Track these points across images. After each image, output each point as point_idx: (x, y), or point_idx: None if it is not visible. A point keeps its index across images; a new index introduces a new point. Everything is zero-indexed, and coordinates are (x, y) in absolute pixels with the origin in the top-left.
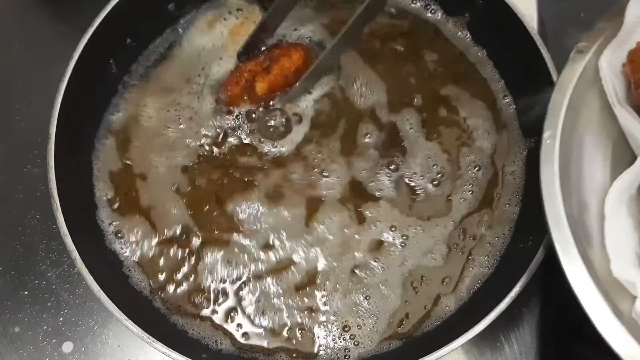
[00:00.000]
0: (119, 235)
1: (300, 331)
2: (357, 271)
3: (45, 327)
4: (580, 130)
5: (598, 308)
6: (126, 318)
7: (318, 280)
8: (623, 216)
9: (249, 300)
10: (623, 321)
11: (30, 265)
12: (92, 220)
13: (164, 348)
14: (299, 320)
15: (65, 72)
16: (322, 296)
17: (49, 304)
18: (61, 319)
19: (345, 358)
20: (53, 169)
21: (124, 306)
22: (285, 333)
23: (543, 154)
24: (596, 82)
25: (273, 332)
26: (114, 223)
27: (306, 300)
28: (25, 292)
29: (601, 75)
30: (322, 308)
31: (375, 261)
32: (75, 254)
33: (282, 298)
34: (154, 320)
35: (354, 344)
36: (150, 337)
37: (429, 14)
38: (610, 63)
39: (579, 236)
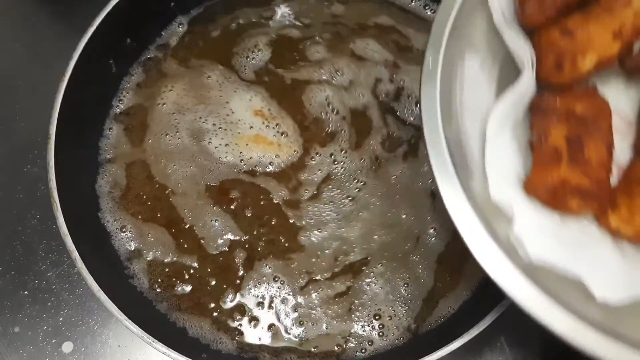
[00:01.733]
0: (119, 235)
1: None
2: None
3: (45, 327)
4: (465, 53)
5: (475, 233)
6: (126, 318)
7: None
8: (507, 139)
9: (253, 299)
10: (501, 246)
11: (30, 265)
12: (92, 220)
13: (164, 348)
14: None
15: (65, 72)
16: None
17: (49, 304)
18: (61, 319)
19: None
20: (53, 169)
21: (124, 306)
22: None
23: (424, 78)
24: (482, 2)
25: (277, 333)
26: (114, 223)
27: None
28: (25, 292)
29: None
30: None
31: None
32: (75, 254)
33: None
34: (154, 320)
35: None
36: (150, 337)
37: None
38: None
39: (461, 162)
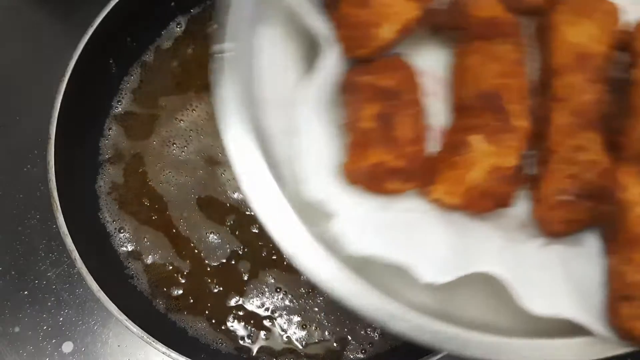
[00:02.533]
0: (119, 235)
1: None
2: None
3: (45, 327)
4: (264, 38)
5: (292, 234)
6: (126, 318)
7: None
8: (320, 126)
9: (254, 301)
10: (325, 243)
11: (30, 265)
12: (92, 220)
13: (163, 348)
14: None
15: (65, 72)
16: None
17: (49, 304)
18: (61, 319)
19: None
20: (53, 169)
21: (124, 306)
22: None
23: (219, 73)
24: None
25: (277, 335)
26: (114, 223)
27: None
28: (25, 292)
29: None
30: None
31: None
32: (75, 254)
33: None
34: (154, 320)
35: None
36: (150, 337)
37: None
38: None
39: (272, 160)
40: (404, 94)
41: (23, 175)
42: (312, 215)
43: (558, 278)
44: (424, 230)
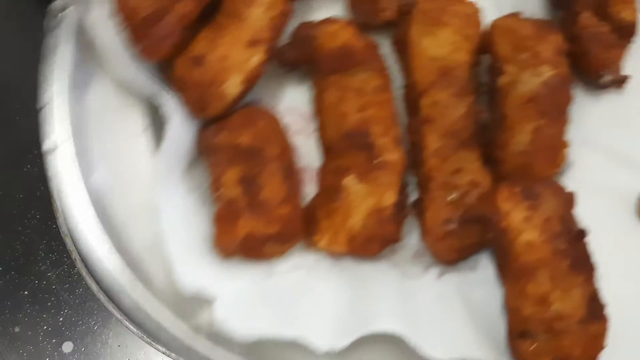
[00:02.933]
0: None
1: None
2: None
3: (45, 327)
4: (101, 121)
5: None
6: (126, 318)
7: None
8: (178, 204)
9: None
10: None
11: (30, 265)
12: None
13: (163, 348)
14: None
15: None
16: None
17: (49, 304)
18: (61, 319)
19: None
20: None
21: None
22: None
23: (52, 167)
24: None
25: None
26: None
27: None
28: (25, 292)
29: (95, 37)
30: None
31: None
32: (75, 254)
33: None
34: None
35: None
36: (151, 337)
37: None
38: (101, 18)
39: (132, 258)
40: (266, 147)
41: (23, 175)
42: (190, 304)
43: (458, 313)
44: (314, 290)
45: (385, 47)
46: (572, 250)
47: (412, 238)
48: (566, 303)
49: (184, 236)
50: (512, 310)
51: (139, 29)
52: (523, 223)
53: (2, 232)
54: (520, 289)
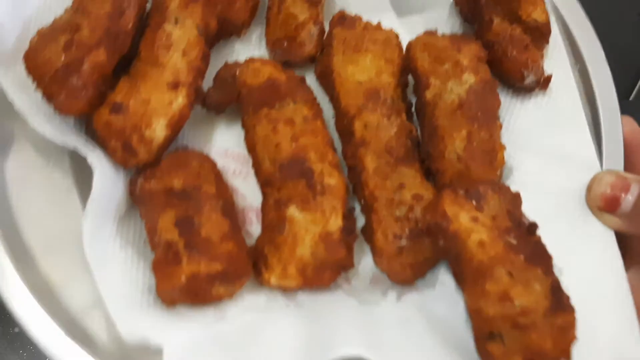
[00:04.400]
0: None
1: None
2: None
3: None
4: (26, 181)
5: None
6: None
7: None
8: (113, 256)
9: None
10: None
11: None
12: None
13: None
14: None
15: None
16: None
17: None
18: None
19: None
20: None
21: None
22: None
23: None
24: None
25: None
26: None
27: None
28: None
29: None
30: None
31: None
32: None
33: None
34: None
35: None
36: None
37: None
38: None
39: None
40: (202, 186)
41: None
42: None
43: (423, 332)
44: (270, 330)
45: (309, 81)
46: (525, 244)
47: (366, 265)
48: (528, 297)
49: (124, 289)
50: (475, 313)
51: (52, 84)
52: (471, 223)
53: None
54: (480, 290)
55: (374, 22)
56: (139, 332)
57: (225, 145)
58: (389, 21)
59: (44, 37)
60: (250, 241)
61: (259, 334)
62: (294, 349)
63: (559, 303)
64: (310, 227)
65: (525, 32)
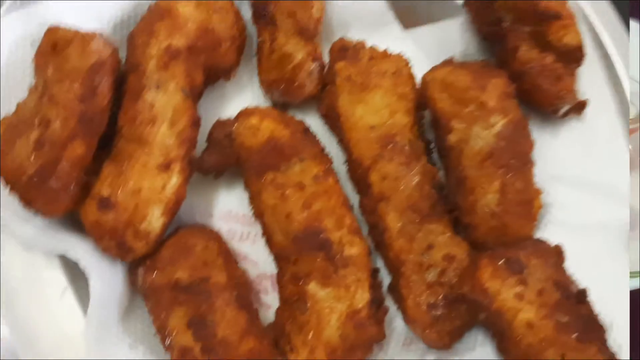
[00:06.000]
0: None
1: None
2: None
3: None
4: (15, 289)
5: None
6: None
7: None
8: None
9: None
10: None
11: None
12: None
13: None
14: None
15: None
16: None
17: None
18: None
19: None
20: None
21: None
22: None
23: None
24: None
25: None
26: None
27: None
28: None
29: None
30: None
31: None
32: None
33: None
34: None
35: None
36: None
37: None
38: None
39: None
40: (210, 276)
41: None
42: None
43: None
44: None
45: (312, 119)
46: (577, 318)
47: (397, 326)
48: None
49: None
50: None
51: (29, 189)
52: (517, 301)
53: None
54: None
55: (379, 36)
56: None
57: (229, 206)
58: (394, 34)
59: (11, 131)
60: (268, 313)
61: None
62: None
63: None
64: (334, 304)
65: (556, 58)
